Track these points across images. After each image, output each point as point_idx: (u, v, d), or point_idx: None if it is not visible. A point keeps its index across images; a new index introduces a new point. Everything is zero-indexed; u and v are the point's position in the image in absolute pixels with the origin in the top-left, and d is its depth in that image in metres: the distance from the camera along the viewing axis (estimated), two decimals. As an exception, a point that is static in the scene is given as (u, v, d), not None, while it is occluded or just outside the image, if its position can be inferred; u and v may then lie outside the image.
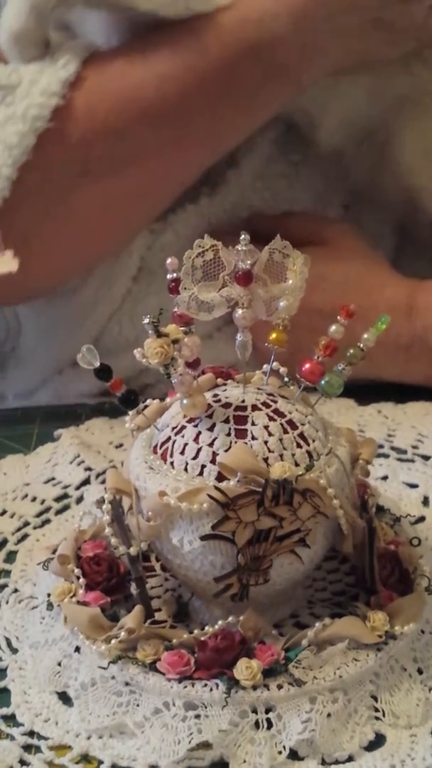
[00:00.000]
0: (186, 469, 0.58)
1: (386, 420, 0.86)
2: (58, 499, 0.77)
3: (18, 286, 0.83)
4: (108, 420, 0.87)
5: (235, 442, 0.58)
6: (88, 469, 0.80)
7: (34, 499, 0.77)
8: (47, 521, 0.75)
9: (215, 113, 0.82)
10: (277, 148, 0.94)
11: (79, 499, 0.77)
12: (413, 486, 0.77)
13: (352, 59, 0.86)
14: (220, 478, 0.57)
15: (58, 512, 0.76)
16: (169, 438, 0.60)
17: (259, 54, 0.82)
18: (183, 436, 0.59)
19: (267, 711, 0.55)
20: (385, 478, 0.78)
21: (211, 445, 0.58)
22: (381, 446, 0.81)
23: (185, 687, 0.56)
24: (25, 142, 0.79)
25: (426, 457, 0.80)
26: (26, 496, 0.77)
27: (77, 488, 0.78)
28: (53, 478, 0.79)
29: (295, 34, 0.82)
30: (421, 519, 0.73)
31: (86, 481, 0.79)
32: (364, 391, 0.86)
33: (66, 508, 0.76)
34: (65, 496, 0.78)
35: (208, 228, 0.93)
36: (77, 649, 0.60)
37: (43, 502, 0.77)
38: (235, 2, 0.82)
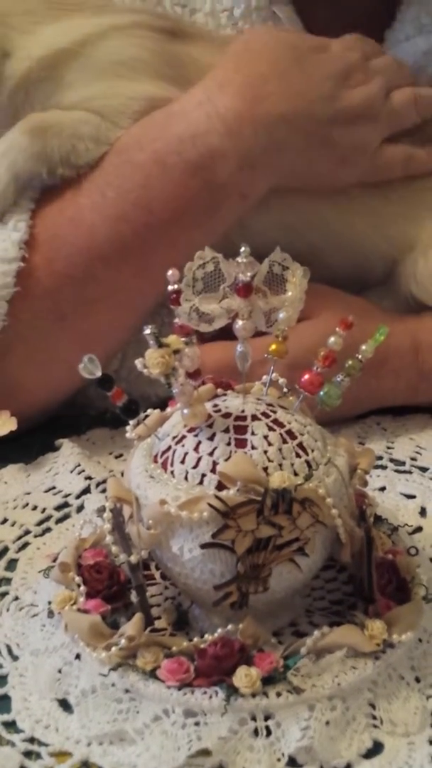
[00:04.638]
0: (186, 478, 0.59)
1: (385, 432, 0.86)
2: (58, 508, 0.77)
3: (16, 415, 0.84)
4: (109, 430, 0.87)
5: (235, 452, 0.58)
6: (89, 478, 0.80)
7: (34, 508, 0.77)
8: (48, 530, 0.75)
9: (171, 240, 0.82)
10: None
11: (80, 508, 0.77)
12: (411, 497, 0.77)
13: (300, 175, 0.85)
14: (220, 487, 0.57)
15: (59, 521, 0.76)
16: (169, 447, 0.60)
17: (200, 171, 0.81)
18: (183, 446, 0.60)
19: (266, 718, 0.56)
20: (382, 489, 0.78)
21: (211, 454, 0.59)
22: (380, 458, 0.82)
23: (185, 694, 0.56)
24: None
25: (424, 469, 0.81)
26: (27, 504, 0.78)
27: (78, 497, 0.79)
28: (54, 487, 0.80)
29: (232, 147, 0.81)
30: (419, 529, 0.73)
31: (86, 490, 0.79)
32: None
33: (66, 516, 0.77)
34: (66, 504, 0.78)
35: None
36: (78, 657, 0.60)
37: (43, 510, 0.77)
38: (167, 123, 0.82)
